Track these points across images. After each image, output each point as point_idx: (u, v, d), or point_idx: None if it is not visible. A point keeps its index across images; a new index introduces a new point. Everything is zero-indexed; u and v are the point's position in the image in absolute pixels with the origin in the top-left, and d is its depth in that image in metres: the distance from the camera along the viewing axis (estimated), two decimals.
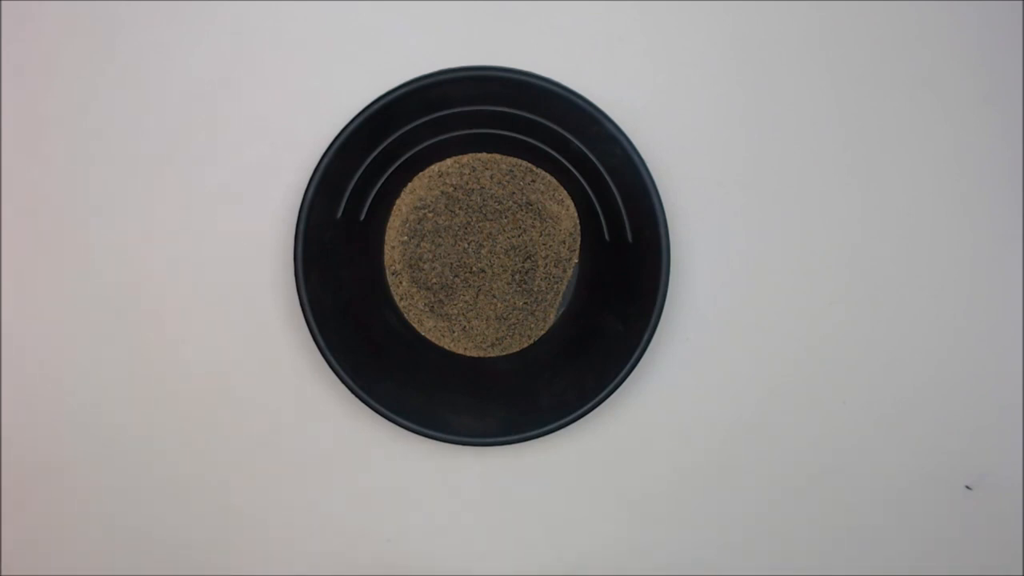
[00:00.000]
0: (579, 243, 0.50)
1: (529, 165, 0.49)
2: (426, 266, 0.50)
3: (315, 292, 0.46)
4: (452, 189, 0.50)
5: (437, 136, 0.48)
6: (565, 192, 0.50)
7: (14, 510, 0.50)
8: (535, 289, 0.50)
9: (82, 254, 0.49)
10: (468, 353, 0.50)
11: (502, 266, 0.50)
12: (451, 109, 0.47)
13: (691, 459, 0.50)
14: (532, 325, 0.50)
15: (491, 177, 0.50)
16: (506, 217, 0.50)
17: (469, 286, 0.50)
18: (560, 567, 0.50)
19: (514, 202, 0.50)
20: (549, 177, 0.50)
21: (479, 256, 0.50)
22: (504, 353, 0.50)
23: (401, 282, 0.50)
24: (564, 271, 0.50)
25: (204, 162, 0.49)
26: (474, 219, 0.49)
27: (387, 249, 0.50)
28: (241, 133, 0.49)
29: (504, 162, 0.49)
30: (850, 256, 0.50)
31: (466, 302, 0.50)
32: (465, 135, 0.48)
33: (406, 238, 0.50)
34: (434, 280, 0.50)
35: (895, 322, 0.50)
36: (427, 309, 0.50)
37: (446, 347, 0.50)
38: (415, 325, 0.50)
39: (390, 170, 0.48)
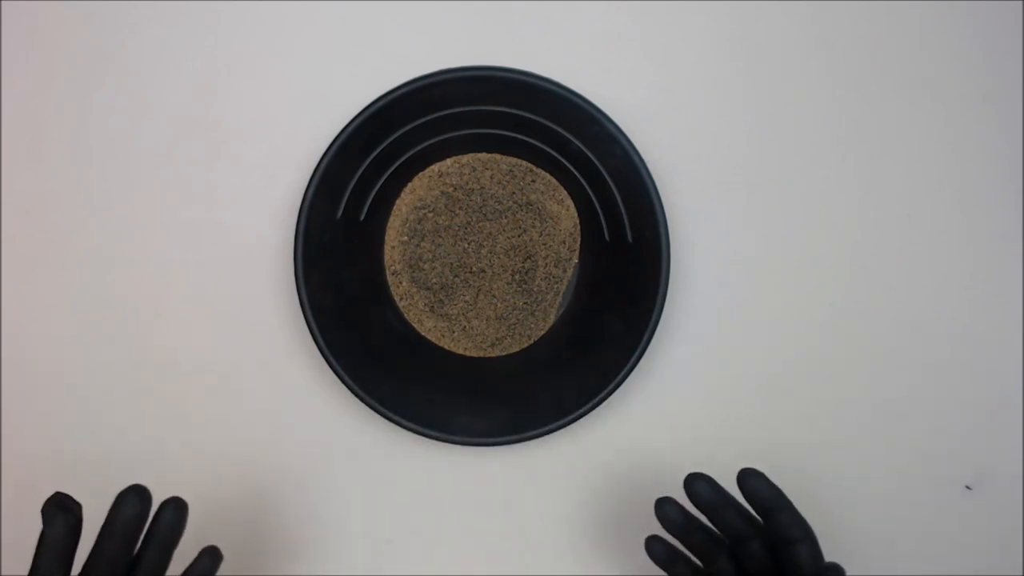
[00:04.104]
0: (579, 243, 0.50)
1: (529, 165, 0.49)
2: (426, 266, 0.50)
3: (315, 292, 0.46)
4: (452, 189, 0.50)
5: (437, 136, 0.48)
6: (565, 192, 0.50)
7: (14, 510, 0.50)
8: (535, 289, 0.50)
9: (82, 254, 0.49)
10: (468, 353, 0.50)
11: (502, 266, 0.50)
12: (451, 109, 0.47)
13: (691, 459, 0.50)
14: (532, 325, 0.50)
15: (491, 177, 0.50)
16: (506, 217, 0.50)
17: (469, 286, 0.50)
18: (561, 567, 0.50)
19: (514, 202, 0.50)
20: (549, 177, 0.50)
21: (479, 256, 0.50)
22: (504, 353, 0.50)
23: (401, 282, 0.50)
24: (564, 271, 0.50)
25: (204, 162, 0.49)
26: (474, 219, 0.49)
27: (387, 249, 0.50)
28: (241, 133, 0.49)
29: (504, 162, 0.49)
30: (850, 256, 0.50)
31: (466, 302, 0.50)
32: (465, 135, 0.48)
33: (406, 238, 0.50)
34: (434, 280, 0.50)
35: (896, 322, 0.50)
36: (427, 309, 0.50)
37: (446, 347, 0.50)
38: (415, 325, 0.50)
39: (390, 170, 0.48)
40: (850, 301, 0.50)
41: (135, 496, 0.36)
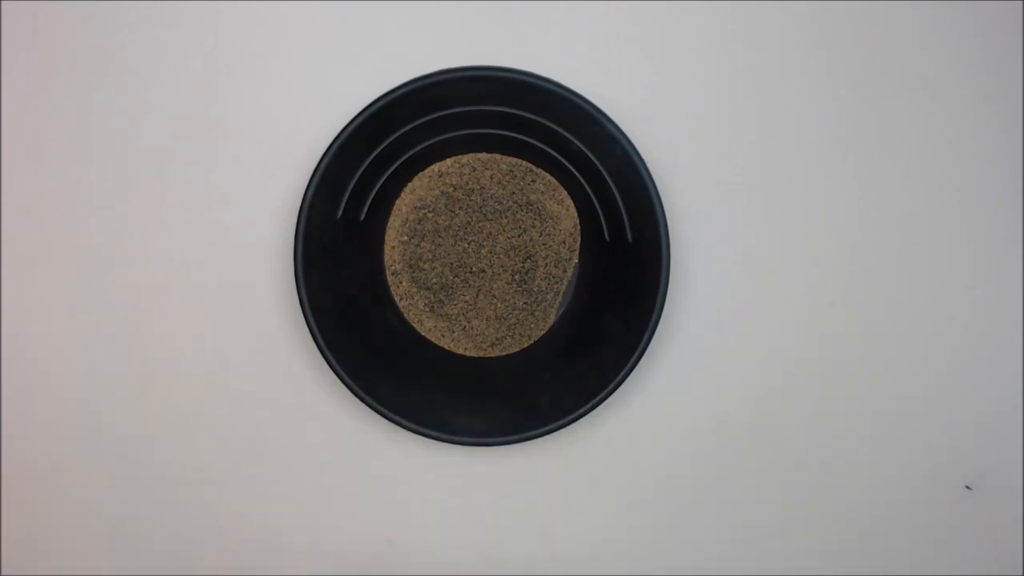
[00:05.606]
0: (579, 243, 0.50)
1: (529, 165, 0.49)
2: (426, 266, 0.50)
3: (315, 292, 0.46)
4: (452, 189, 0.50)
5: (437, 136, 0.48)
6: (565, 192, 0.50)
7: (14, 510, 0.50)
8: (535, 289, 0.50)
9: (82, 254, 0.49)
10: (468, 353, 0.50)
11: (502, 266, 0.50)
12: (451, 109, 0.47)
13: (691, 459, 0.50)
14: (532, 325, 0.50)
15: (491, 177, 0.50)
16: (506, 217, 0.50)
17: (469, 286, 0.50)
18: (560, 567, 0.50)
19: (514, 202, 0.50)
20: (549, 177, 0.50)
21: (479, 256, 0.50)
22: (504, 353, 0.50)
23: (401, 282, 0.50)
24: (564, 271, 0.50)
25: (204, 162, 0.49)
26: (474, 219, 0.50)
27: (387, 249, 0.50)
28: (241, 133, 0.49)
29: (504, 162, 0.49)
30: (851, 255, 0.50)
31: (466, 302, 0.50)
32: (465, 135, 0.48)
33: (406, 238, 0.50)
34: (434, 280, 0.50)
35: (896, 322, 0.50)
36: (427, 309, 0.50)
37: (446, 347, 0.50)
38: (415, 325, 0.50)
39: (390, 170, 0.48)
40: (850, 301, 0.50)
41: None
